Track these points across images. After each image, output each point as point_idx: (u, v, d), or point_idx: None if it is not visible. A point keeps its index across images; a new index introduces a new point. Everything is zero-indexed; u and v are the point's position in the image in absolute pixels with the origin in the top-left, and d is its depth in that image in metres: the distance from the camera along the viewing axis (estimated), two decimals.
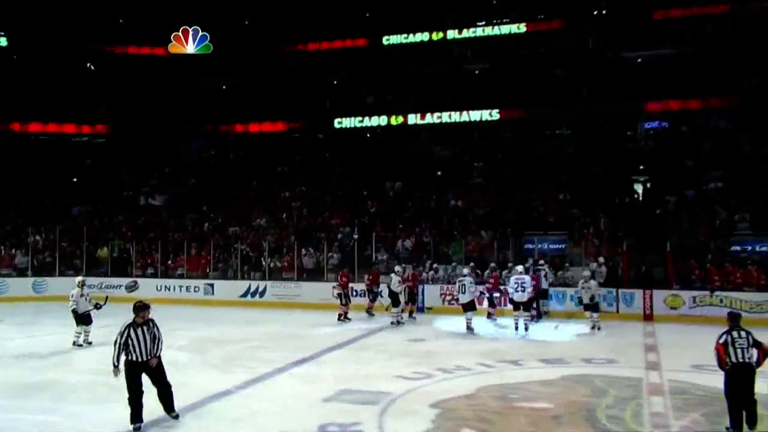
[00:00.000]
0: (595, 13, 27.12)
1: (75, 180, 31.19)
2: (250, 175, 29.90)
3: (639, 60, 27.90)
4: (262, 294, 21.50)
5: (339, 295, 18.41)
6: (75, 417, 8.55)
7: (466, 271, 16.96)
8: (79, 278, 14.57)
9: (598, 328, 15.83)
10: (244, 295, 21.64)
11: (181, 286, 22.38)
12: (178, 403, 8.29)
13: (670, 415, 8.68)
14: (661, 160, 24.71)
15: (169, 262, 23.89)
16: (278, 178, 29.75)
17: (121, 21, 30.27)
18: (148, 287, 22.00)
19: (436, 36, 28.42)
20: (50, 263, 24.11)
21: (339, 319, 17.76)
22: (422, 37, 28.50)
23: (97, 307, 13.79)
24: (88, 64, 31.13)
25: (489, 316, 17.68)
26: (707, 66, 25.14)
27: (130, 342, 7.75)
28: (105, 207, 28.51)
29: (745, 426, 7.42)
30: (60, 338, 14.53)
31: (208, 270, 23.19)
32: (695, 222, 20.97)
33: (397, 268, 18.19)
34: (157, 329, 8.00)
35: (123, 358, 7.80)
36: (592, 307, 16.08)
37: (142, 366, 7.80)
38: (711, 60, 25.19)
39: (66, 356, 12.96)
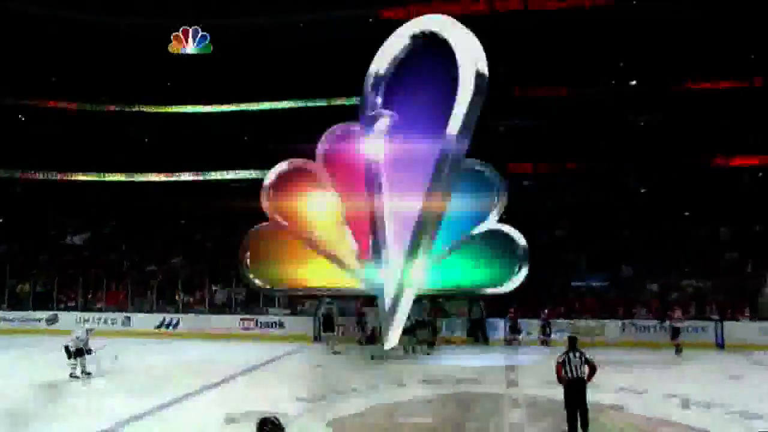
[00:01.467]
0: None
1: (1, 220, 28.89)
2: (167, 218, 28.75)
3: (501, 128, 29.44)
4: (175, 326, 20.60)
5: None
6: None
7: None
8: (89, 326, 14.95)
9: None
10: (159, 326, 20.65)
11: (99, 319, 20.98)
12: (93, 429, 7.81)
13: (525, 423, 9.12)
14: (519, 211, 26.05)
15: (89, 296, 22.48)
16: (193, 222, 28.81)
17: (53, 79, 29.03)
18: (68, 320, 20.45)
19: (334, 102, 28.83)
20: None
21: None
22: (321, 102, 28.84)
23: (89, 352, 12.79)
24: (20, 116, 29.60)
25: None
26: (558, 135, 26.90)
27: None
28: (30, 246, 26.53)
29: (579, 429, 7.95)
30: None
31: (127, 304, 22.00)
32: (546, 262, 22.23)
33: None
34: None
35: None
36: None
37: None
38: (561, 131, 26.99)
39: None
